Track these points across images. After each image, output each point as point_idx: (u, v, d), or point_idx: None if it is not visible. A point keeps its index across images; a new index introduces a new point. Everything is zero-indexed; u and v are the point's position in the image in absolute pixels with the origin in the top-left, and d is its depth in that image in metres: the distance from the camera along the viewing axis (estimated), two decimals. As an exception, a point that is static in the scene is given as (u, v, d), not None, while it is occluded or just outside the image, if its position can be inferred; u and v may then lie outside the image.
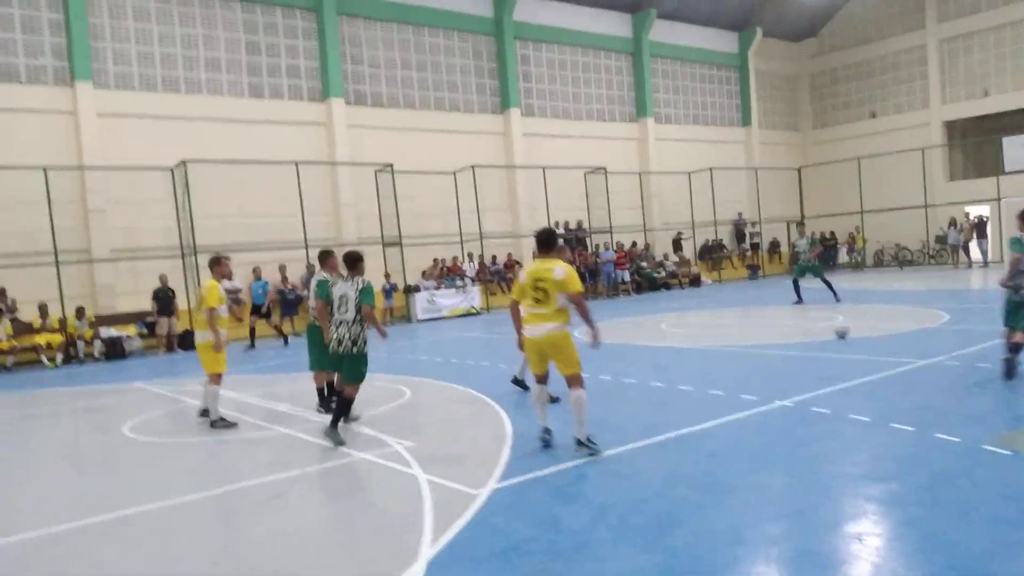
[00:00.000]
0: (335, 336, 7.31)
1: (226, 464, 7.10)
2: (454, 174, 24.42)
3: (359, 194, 22.90)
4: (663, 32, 31.21)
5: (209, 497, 5.81)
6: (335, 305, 7.42)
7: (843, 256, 32.91)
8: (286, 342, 18.02)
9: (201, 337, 8.60)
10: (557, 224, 26.89)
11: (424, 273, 23.71)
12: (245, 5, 21.67)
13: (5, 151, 17.64)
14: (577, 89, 29.18)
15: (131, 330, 18.13)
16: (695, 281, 28.94)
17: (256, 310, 18.56)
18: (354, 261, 7.48)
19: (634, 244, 28.48)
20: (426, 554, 4.21)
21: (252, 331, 18.17)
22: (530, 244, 26.61)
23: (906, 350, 9.87)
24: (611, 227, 27.21)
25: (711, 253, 31.57)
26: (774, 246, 33.97)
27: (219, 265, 8.84)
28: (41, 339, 17.24)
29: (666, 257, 29.58)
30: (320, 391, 8.84)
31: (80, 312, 17.56)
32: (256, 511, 5.37)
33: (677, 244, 30.52)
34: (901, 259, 31.47)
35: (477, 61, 26.47)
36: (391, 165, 22.54)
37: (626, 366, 10.52)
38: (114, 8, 19.66)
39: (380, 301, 22.44)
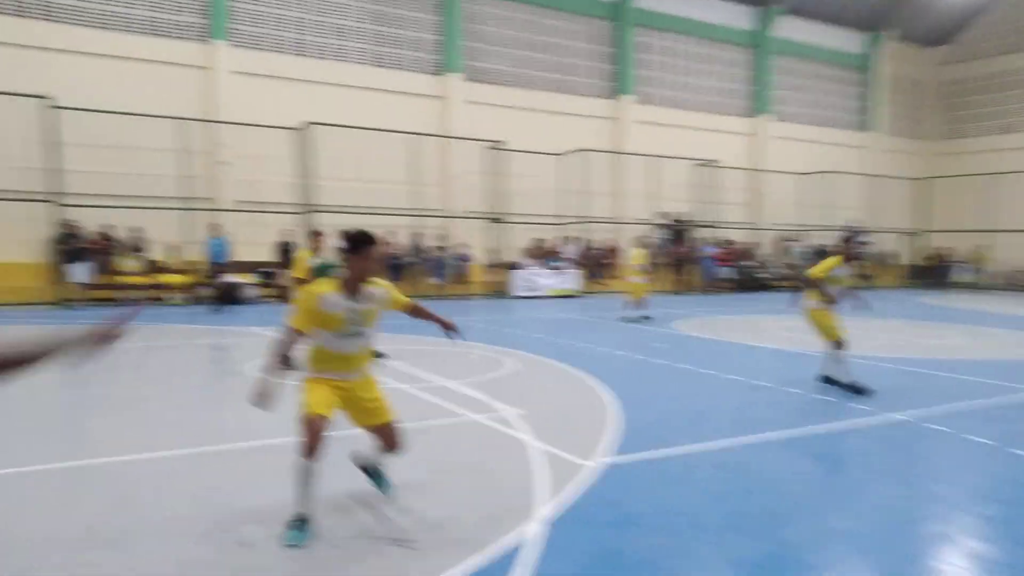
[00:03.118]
0: None
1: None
2: (562, 156, 24.55)
3: (468, 168, 23.36)
4: (787, 28, 30.32)
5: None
6: None
7: (962, 275, 31.28)
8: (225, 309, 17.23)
9: None
10: (661, 214, 26.69)
11: (526, 252, 24.02)
12: (376, -24, 22.38)
13: (148, 101, 18.87)
14: (693, 80, 28.76)
15: (249, 278, 19.18)
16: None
17: (219, 269, 18.08)
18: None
19: (732, 243, 28.06)
20: (541, 513, 4.43)
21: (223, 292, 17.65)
22: (633, 231, 26.56)
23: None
24: (718, 222, 26.78)
25: (821, 259, 30.65)
26: (887, 257, 32.65)
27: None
28: (168, 278, 18.47)
29: (773, 258, 28.95)
30: None
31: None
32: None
33: (783, 247, 29.78)
34: (1020, 284, 29.70)
35: (594, 45, 26.43)
36: (502, 142, 22.86)
37: (730, 363, 10.50)
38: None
39: (483, 275, 22.94)
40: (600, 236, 26.05)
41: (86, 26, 18.75)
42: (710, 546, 4.07)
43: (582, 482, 5.04)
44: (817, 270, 8.59)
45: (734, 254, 27.00)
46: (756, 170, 29.50)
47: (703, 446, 6.05)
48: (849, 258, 8.55)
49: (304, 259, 9.29)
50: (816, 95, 32.13)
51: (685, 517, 4.49)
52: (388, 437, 4.51)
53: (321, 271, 8.37)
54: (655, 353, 11.31)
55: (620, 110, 26.73)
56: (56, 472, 5.33)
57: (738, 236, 28.60)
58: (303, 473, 4.06)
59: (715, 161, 26.92)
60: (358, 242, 4.16)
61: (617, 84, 26.79)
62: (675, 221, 26.63)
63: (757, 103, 30.00)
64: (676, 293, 25.23)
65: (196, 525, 4.25)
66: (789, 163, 30.21)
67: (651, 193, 25.83)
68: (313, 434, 4.05)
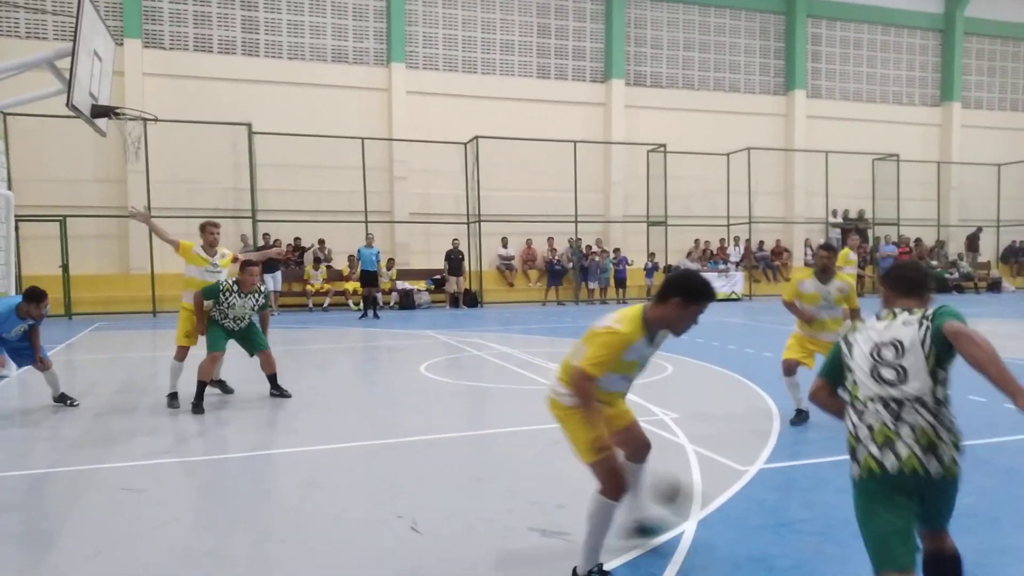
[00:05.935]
0: None
1: (513, 408, 7.91)
2: (727, 156, 24.00)
3: (629, 173, 23.42)
4: (982, 7, 27.78)
5: (503, 433, 6.62)
6: None
7: None
8: (370, 315, 17.97)
9: None
10: (835, 212, 25.41)
11: (689, 255, 23.70)
12: (538, -11, 22.99)
13: (332, 123, 20.54)
14: (872, 70, 27.12)
15: (421, 285, 20.38)
16: (994, 286, 25.84)
17: (369, 278, 18.43)
18: None
19: (918, 241, 26.09)
20: (696, 516, 4.52)
21: (367, 299, 18.21)
22: (804, 231, 25.48)
23: None
24: (899, 219, 25.08)
25: (1017, 256, 27.86)
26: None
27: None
28: (349, 286, 19.98)
29: (960, 257, 26.68)
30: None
31: (390, 263, 20.12)
32: (540, 452, 6.03)
33: (973, 243, 27.34)
34: None
35: (763, 41, 25.63)
36: (664, 145, 22.72)
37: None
38: (428, -4, 21.90)
39: (641, 279, 22.86)
40: (768, 237, 25.17)
41: (279, 58, 20.71)
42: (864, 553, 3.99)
43: (738, 487, 5.07)
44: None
45: (915, 253, 25.17)
46: (943, 162, 27.26)
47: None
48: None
49: (188, 249, 7.85)
50: (1018, 78, 29.19)
51: (850, 525, 4.41)
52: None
53: (212, 291, 7.51)
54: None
55: (790, 105, 25.71)
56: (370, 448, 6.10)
57: (924, 234, 26.61)
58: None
59: (895, 155, 25.22)
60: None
61: (787, 79, 25.80)
62: (847, 219, 25.24)
63: (945, 90, 27.74)
64: (853, 296, 23.87)
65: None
66: (983, 153, 27.67)
67: (824, 191, 24.63)
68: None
